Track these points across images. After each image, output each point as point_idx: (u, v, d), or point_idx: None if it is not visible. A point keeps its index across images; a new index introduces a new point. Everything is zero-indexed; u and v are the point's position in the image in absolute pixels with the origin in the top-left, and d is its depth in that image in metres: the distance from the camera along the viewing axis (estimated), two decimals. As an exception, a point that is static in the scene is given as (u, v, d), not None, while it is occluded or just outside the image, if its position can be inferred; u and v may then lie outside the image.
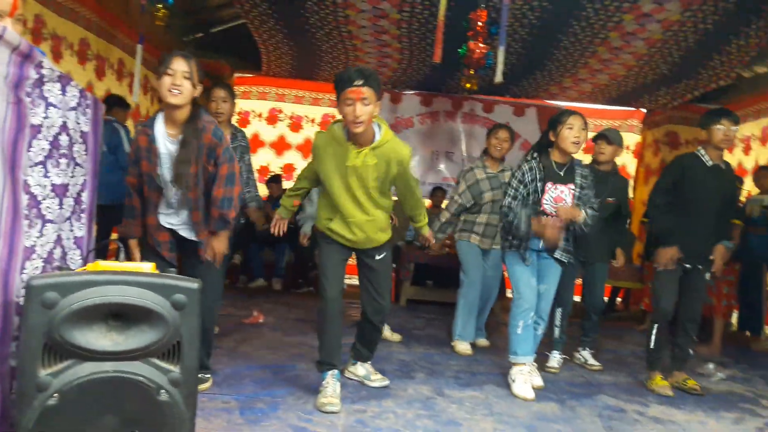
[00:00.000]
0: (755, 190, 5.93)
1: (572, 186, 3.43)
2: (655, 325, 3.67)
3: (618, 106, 7.71)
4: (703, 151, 3.66)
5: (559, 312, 4.09)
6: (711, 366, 4.18)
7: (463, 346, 4.24)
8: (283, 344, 4.00)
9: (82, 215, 2.27)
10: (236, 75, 7.56)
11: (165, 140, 2.59)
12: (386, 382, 3.25)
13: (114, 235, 3.94)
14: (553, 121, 3.47)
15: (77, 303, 1.62)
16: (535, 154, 3.49)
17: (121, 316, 1.69)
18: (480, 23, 4.19)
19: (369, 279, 3.09)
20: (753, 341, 5.54)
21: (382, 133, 2.81)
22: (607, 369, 4.08)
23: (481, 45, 4.16)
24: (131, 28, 5.46)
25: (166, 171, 2.60)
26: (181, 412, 1.71)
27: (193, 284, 1.74)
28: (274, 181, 6.94)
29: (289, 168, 8.02)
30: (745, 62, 5.47)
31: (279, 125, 8.07)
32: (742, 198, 5.61)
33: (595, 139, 4.26)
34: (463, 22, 4.33)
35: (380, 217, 2.98)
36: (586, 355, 4.21)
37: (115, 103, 4.78)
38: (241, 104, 7.94)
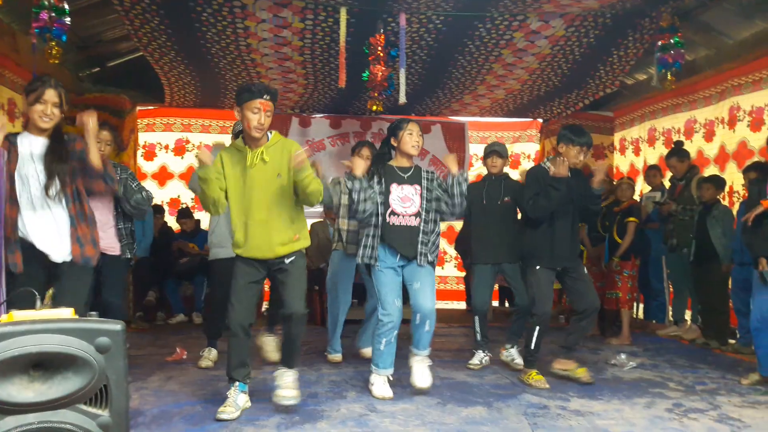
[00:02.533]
0: (646, 188, 6.45)
1: (418, 186, 3.65)
2: (537, 327, 3.86)
3: (516, 118, 8.15)
4: (548, 164, 3.97)
5: (476, 319, 4.35)
6: (623, 356, 4.48)
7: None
8: (210, 378, 3.92)
9: (-10, 266, 2.17)
10: (138, 108, 7.35)
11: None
12: (290, 402, 3.17)
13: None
14: (393, 128, 3.72)
15: (-6, 357, 1.57)
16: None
17: (42, 365, 1.64)
18: (380, 47, 4.35)
19: (281, 280, 3.20)
20: (659, 328, 6.00)
21: (272, 135, 3.21)
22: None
23: (382, 68, 4.32)
24: (20, 66, 5.21)
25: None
26: (113, 457, 1.68)
27: (116, 326, 1.72)
28: (185, 215, 6.79)
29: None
30: (627, 71, 5.95)
31: (187, 156, 7.91)
32: (636, 197, 6.10)
33: (488, 155, 4.50)
34: (363, 47, 4.48)
35: (281, 220, 3.15)
36: (513, 353, 4.38)
37: None
38: (146, 137, 7.71)
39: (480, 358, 4.33)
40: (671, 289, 6.00)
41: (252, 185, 3.10)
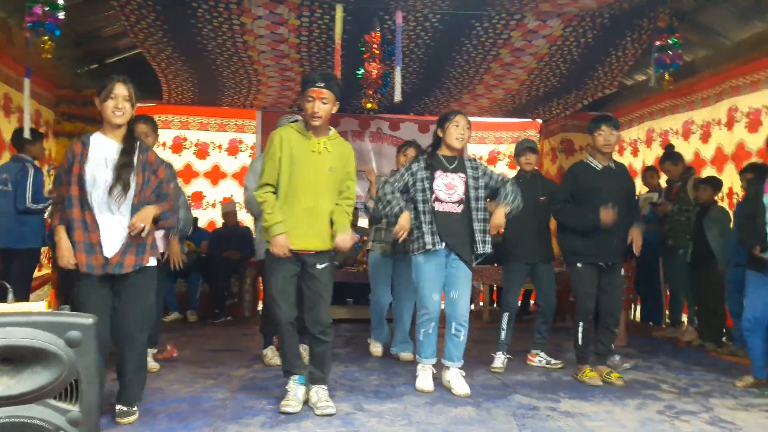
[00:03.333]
0: (644, 189, 6.41)
1: (462, 175, 3.70)
2: (581, 324, 3.92)
3: (515, 118, 8.14)
4: (591, 158, 3.95)
5: (506, 316, 4.31)
6: (617, 358, 4.44)
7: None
8: (198, 376, 3.90)
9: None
10: (137, 105, 7.33)
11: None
12: (331, 411, 3.12)
13: None
14: (441, 119, 3.76)
15: (-39, 349, 1.55)
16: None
17: (11, 359, 1.62)
18: (375, 45, 4.33)
19: (309, 287, 3.19)
20: (655, 330, 5.95)
21: (332, 131, 3.26)
22: (520, 369, 4.26)
23: (377, 66, 4.30)
24: (15, 61, 5.21)
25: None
26: (83, 453, 1.66)
27: (88, 320, 1.69)
28: (183, 213, 6.76)
29: (197, 196, 7.86)
30: (625, 71, 5.93)
31: (185, 153, 7.91)
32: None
33: (521, 152, 4.46)
34: (359, 44, 4.46)
35: (323, 212, 3.18)
36: (544, 356, 4.40)
37: (22, 140, 4.61)
38: (144, 134, 7.70)
39: (502, 360, 4.29)
40: (668, 291, 5.96)
41: (306, 171, 3.11)
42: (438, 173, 3.67)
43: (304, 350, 4.25)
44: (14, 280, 4.32)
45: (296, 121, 3.38)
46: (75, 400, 1.67)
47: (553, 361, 4.38)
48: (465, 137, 3.70)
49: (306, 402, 3.21)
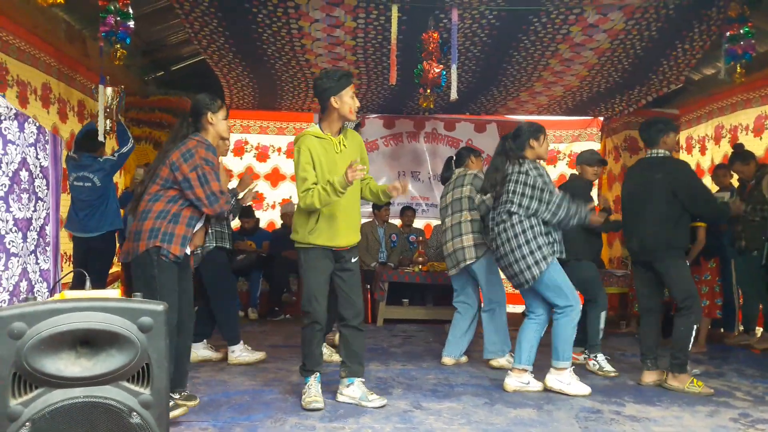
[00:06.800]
0: (714, 188, 6.13)
1: None
2: (695, 326, 3.74)
3: (576, 116, 7.94)
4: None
5: (603, 315, 4.27)
6: (687, 363, 4.28)
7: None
8: (260, 370, 3.99)
9: (47, 248, 2.29)
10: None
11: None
12: (384, 401, 3.21)
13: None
14: (534, 130, 3.77)
15: (45, 331, 1.64)
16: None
17: (89, 342, 1.71)
18: (432, 44, 4.33)
19: (345, 281, 3.27)
20: (726, 337, 5.67)
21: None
22: (581, 374, 4.13)
23: (435, 65, 4.29)
24: (90, 71, 5.50)
25: None
26: (154, 434, 1.72)
27: (159, 306, 1.77)
28: (247, 215, 6.94)
29: (258, 198, 8.05)
30: (692, 65, 5.68)
31: (246, 156, 8.12)
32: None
33: (595, 163, 4.51)
34: (417, 44, 4.47)
35: (355, 206, 3.29)
36: (601, 361, 4.23)
37: (97, 143, 4.87)
38: (207, 138, 7.96)
39: (604, 361, 4.25)
40: (740, 295, 5.67)
41: (336, 171, 3.14)
42: None
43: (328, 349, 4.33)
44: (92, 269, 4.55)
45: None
46: (147, 383, 1.74)
47: (606, 367, 4.21)
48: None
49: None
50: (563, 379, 3.60)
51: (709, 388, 3.73)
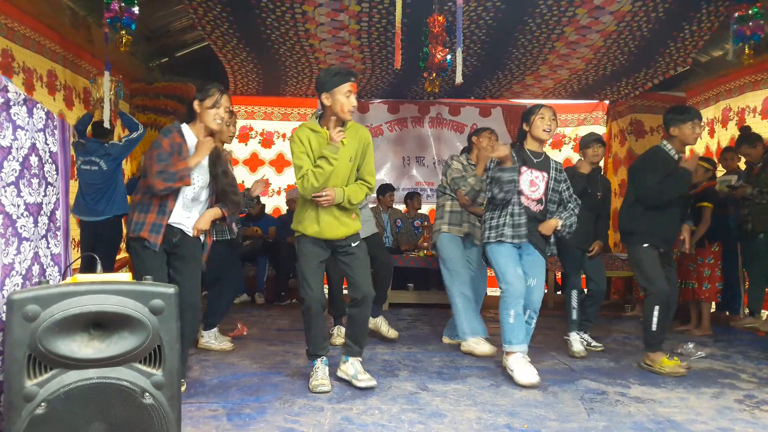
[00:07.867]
0: (721, 171, 6.10)
1: (546, 174, 3.66)
2: (656, 307, 3.74)
3: (581, 100, 7.90)
4: (669, 145, 3.81)
5: (575, 293, 4.31)
6: (690, 345, 4.29)
7: (482, 346, 4.12)
8: (267, 353, 4.03)
9: (58, 233, 2.32)
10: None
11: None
12: (373, 383, 3.27)
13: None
14: (526, 112, 3.72)
15: (58, 314, 1.67)
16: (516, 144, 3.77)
17: (101, 324, 1.74)
18: (437, 27, 4.30)
19: (348, 265, 3.29)
20: (732, 320, 5.68)
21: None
22: (587, 355, 4.17)
23: (440, 48, 4.27)
24: (95, 57, 5.50)
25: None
26: (166, 414, 1.76)
27: (170, 289, 1.79)
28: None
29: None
30: (700, 47, 5.64)
31: (251, 142, 8.14)
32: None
33: (590, 143, 4.43)
34: (423, 27, 4.44)
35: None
36: (587, 337, 4.39)
37: (105, 130, 4.90)
38: (212, 124, 7.97)
39: (578, 341, 4.28)
40: (746, 278, 5.67)
41: (332, 167, 3.13)
42: (523, 169, 3.61)
43: (336, 332, 4.40)
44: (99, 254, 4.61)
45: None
46: (158, 364, 1.77)
47: (594, 343, 4.38)
48: (552, 129, 3.63)
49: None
50: (509, 364, 3.52)
51: (714, 370, 3.73)
